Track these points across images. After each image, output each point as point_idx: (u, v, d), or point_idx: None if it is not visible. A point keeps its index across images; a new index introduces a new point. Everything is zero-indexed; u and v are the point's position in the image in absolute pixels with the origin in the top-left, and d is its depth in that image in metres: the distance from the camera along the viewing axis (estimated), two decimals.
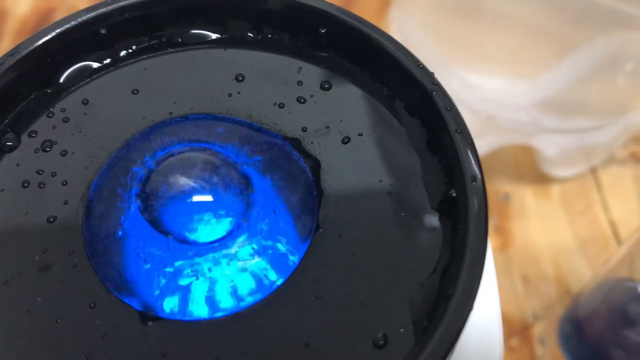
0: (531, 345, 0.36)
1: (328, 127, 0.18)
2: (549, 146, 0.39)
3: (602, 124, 0.38)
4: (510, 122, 0.38)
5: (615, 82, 0.37)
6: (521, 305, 0.37)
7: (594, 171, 0.42)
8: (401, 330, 0.15)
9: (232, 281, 0.16)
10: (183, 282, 0.16)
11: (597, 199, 0.40)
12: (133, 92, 0.19)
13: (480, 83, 0.38)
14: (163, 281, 0.16)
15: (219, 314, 0.15)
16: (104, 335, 0.15)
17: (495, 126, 0.38)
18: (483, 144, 0.39)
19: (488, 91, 0.38)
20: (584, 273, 0.38)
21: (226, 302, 0.16)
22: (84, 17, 0.19)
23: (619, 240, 0.39)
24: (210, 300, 0.16)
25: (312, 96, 0.19)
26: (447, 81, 0.39)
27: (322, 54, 0.20)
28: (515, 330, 0.36)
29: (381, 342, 0.15)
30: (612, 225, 0.40)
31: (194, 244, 0.16)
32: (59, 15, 0.50)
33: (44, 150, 0.18)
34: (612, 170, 0.42)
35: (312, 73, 0.19)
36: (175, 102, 0.19)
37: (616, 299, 0.32)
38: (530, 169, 0.41)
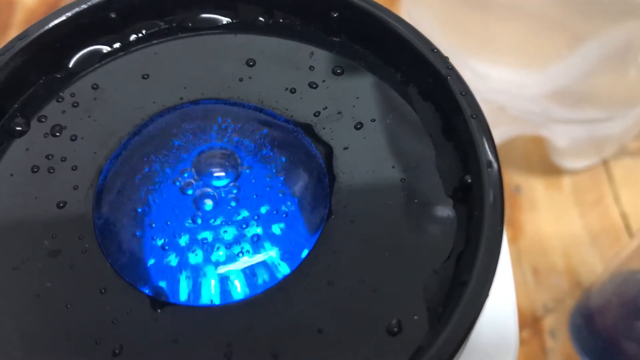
0: (542, 337, 0.35)
1: (340, 112, 0.18)
2: (559, 137, 0.38)
3: (613, 115, 0.37)
4: (521, 113, 0.38)
5: (627, 73, 0.36)
6: (532, 298, 0.37)
7: (605, 163, 0.41)
8: (415, 317, 0.15)
9: (243, 267, 0.15)
10: (195, 267, 0.16)
11: (609, 190, 0.40)
12: (143, 77, 0.19)
13: (490, 73, 0.38)
14: (174, 266, 0.16)
15: (230, 300, 0.15)
16: (114, 321, 0.15)
17: (505, 117, 0.38)
18: (494, 135, 0.39)
19: (499, 82, 0.38)
20: (595, 265, 0.37)
21: (238, 288, 0.15)
22: (94, 1, 0.19)
23: (630, 233, 0.38)
24: (222, 286, 0.15)
25: (324, 81, 0.19)
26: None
27: (334, 38, 0.19)
28: (526, 322, 0.36)
29: (395, 329, 0.15)
30: (624, 217, 0.39)
31: (206, 223, 0.16)
32: None
33: (54, 135, 0.18)
34: (624, 162, 0.41)
35: (324, 58, 0.19)
36: (185, 87, 0.18)
37: (628, 291, 0.31)
38: (541, 160, 0.41)
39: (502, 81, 0.38)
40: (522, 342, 0.35)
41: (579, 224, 0.39)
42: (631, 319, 0.30)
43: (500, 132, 0.39)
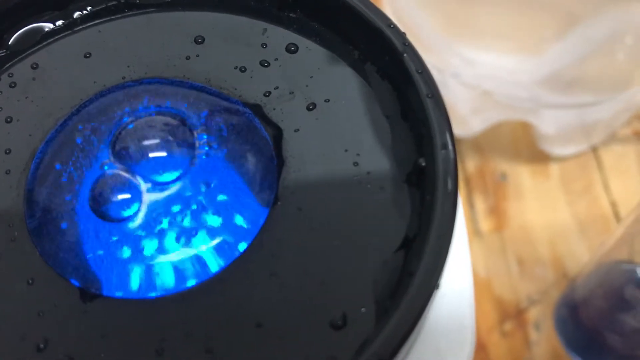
0: (526, 329, 0.34)
1: (292, 92, 0.17)
2: (547, 123, 0.37)
3: (602, 99, 0.36)
4: (509, 99, 0.36)
5: (616, 56, 0.35)
6: (516, 289, 0.36)
7: (595, 150, 0.40)
8: (363, 310, 0.14)
9: (179, 258, 0.15)
10: (127, 258, 0.15)
11: (598, 178, 0.39)
12: (85, 56, 0.18)
13: (479, 59, 0.37)
14: (106, 257, 0.15)
15: (164, 293, 0.14)
16: (40, 314, 0.14)
17: (491, 102, 0.36)
18: (479, 120, 0.38)
19: (487, 67, 0.37)
20: (583, 255, 0.36)
21: (172, 279, 0.14)
22: None
23: (619, 221, 0.37)
24: (155, 278, 0.14)
25: (276, 59, 0.17)
26: (446, 58, 0.37)
27: (289, 14, 0.18)
28: (510, 314, 0.35)
29: (339, 322, 0.14)
30: (613, 205, 0.38)
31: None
32: None
33: None
34: (614, 149, 0.40)
35: (278, 35, 0.18)
36: (129, 66, 0.17)
37: (612, 282, 0.30)
38: (528, 146, 0.40)
39: (490, 67, 0.37)
40: (506, 334, 0.34)
41: (566, 213, 0.38)
42: (615, 311, 0.29)
43: (485, 118, 0.38)
